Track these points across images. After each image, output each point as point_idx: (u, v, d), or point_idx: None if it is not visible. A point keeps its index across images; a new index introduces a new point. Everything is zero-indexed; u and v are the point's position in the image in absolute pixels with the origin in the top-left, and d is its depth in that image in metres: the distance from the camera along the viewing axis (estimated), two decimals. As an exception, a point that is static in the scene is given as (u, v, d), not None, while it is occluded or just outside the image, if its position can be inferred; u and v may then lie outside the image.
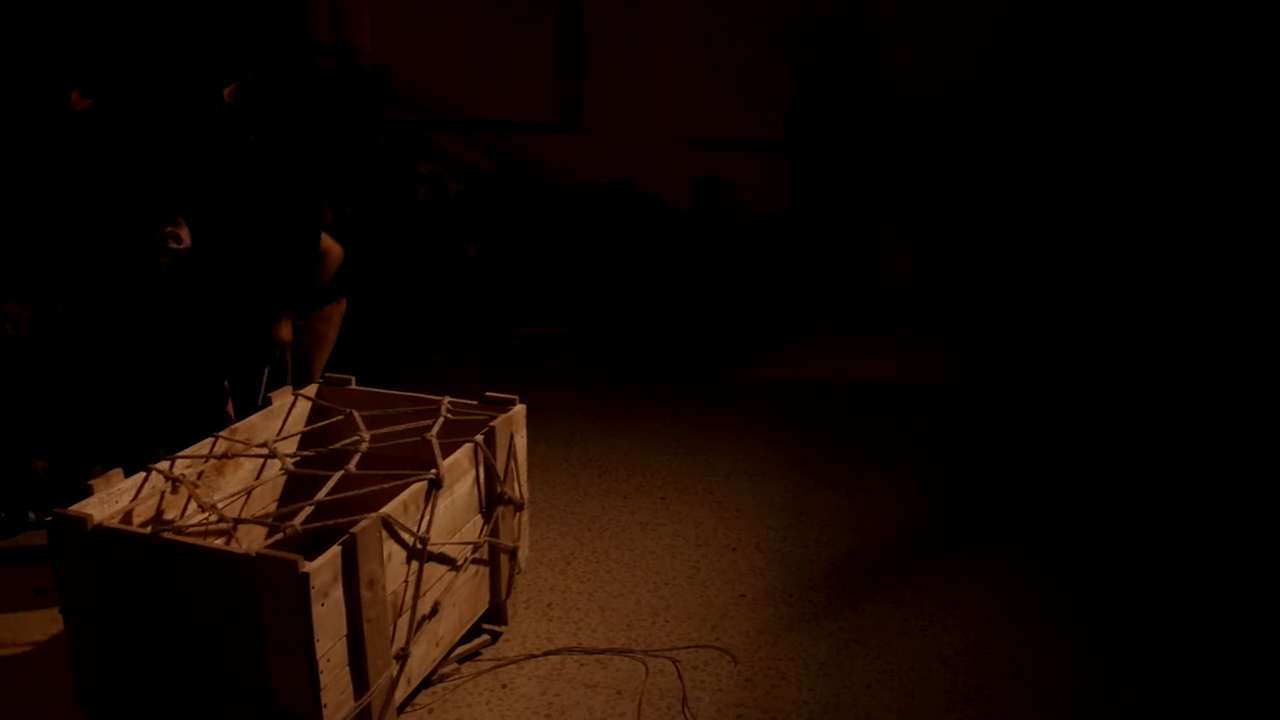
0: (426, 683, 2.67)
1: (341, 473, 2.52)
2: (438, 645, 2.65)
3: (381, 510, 2.31)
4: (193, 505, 2.57)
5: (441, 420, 2.84)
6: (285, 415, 3.07)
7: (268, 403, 3.07)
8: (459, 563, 2.68)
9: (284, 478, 2.90)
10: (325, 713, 2.12)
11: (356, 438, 2.74)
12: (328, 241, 3.68)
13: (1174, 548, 3.50)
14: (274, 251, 3.55)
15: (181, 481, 2.57)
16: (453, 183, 6.68)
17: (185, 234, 3.45)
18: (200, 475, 2.70)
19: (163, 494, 2.57)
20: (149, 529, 2.28)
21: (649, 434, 4.58)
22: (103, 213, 3.81)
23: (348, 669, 2.20)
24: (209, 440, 2.79)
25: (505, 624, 3.00)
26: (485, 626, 2.96)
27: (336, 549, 2.15)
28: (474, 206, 6.52)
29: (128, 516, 2.46)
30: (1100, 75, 5.81)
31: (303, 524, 2.26)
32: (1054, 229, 5.99)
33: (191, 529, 2.33)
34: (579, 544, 3.56)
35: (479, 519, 2.79)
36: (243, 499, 2.77)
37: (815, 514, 3.78)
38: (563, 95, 6.76)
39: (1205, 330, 5.41)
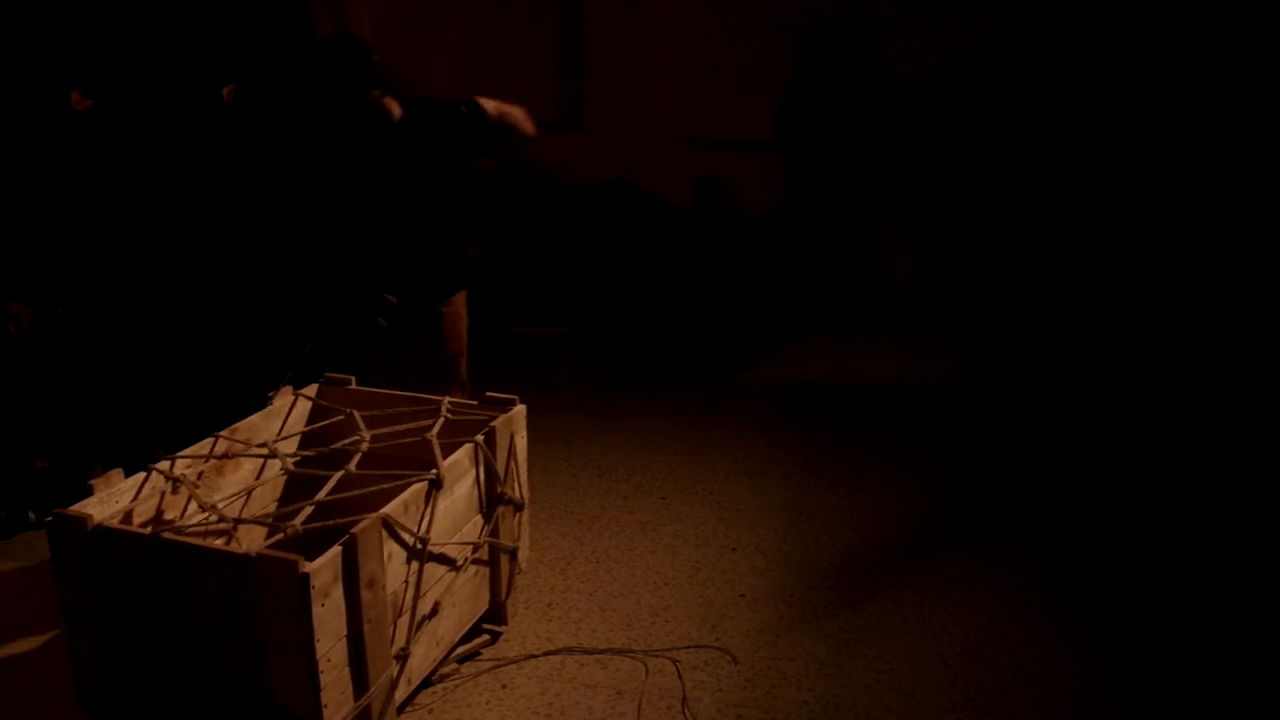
0: (426, 683, 2.68)
1: (342, 473, 2.51)
2: (438, 645, 2.65)
3: (382, 510, 2.31)
4: (193, 505, 2.57)
5: (441, 420, 2.84)
6: (285, 415, 3.06)
7: (269, 402, 3.07)
8: (459, 563, 2.68)
9: (284, 478, 2.90)
10: (325, 713, 2.12)
11: (357, 438, 2.74)
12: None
13: (1174, 548, 3.50)
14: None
15: (181, 481, 2.57)
16: (453, 183, 6.67)
17: (396, 108, 3.32)
18: (200, 475, 2.70)
19: (163, 494, 2.57)
20: (149, 529, 2.28)
21: (649, 434, 4.58)
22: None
23: (348, 669, 2.20)
24: (209, 440, 2.79)
25: (505, 624, 3.00)
26: (485, 626, 2.96)
27: (337, 549, 2.15)
28: (474, 206, 6.52)
29: (128, 516, 2.46)
30: (1100, 75, 5.82)
31: (303, 524, 2.26)
32: (1054, 229, 5.99)
33: (191, 529, 2.33)
34: (579, 544, 3.56)
35: (479, 519, 2.79)
36: (243, 499, 2.77)
37: (815, 514, 3.78)
38: (563, 95, 6.76)
39: (1206, 329, 5.41)
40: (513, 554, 2.97)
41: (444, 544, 2.59)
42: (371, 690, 2.27)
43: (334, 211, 3.57)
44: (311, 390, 3.17)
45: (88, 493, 2.39)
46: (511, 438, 2.90)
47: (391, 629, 2.37)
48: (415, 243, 3.31)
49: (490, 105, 3.27)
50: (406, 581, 2.44)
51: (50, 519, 2.30)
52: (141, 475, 2.54)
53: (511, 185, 6.83)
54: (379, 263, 3.36)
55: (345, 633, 2.18)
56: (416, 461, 2.61)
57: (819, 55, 6.00)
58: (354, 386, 3.18)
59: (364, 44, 3.24)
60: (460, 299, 3.57)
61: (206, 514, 2.48)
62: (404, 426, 2.84)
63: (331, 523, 2.32)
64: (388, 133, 3.28)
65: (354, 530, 2.19)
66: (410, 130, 3.30)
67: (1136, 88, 5.73)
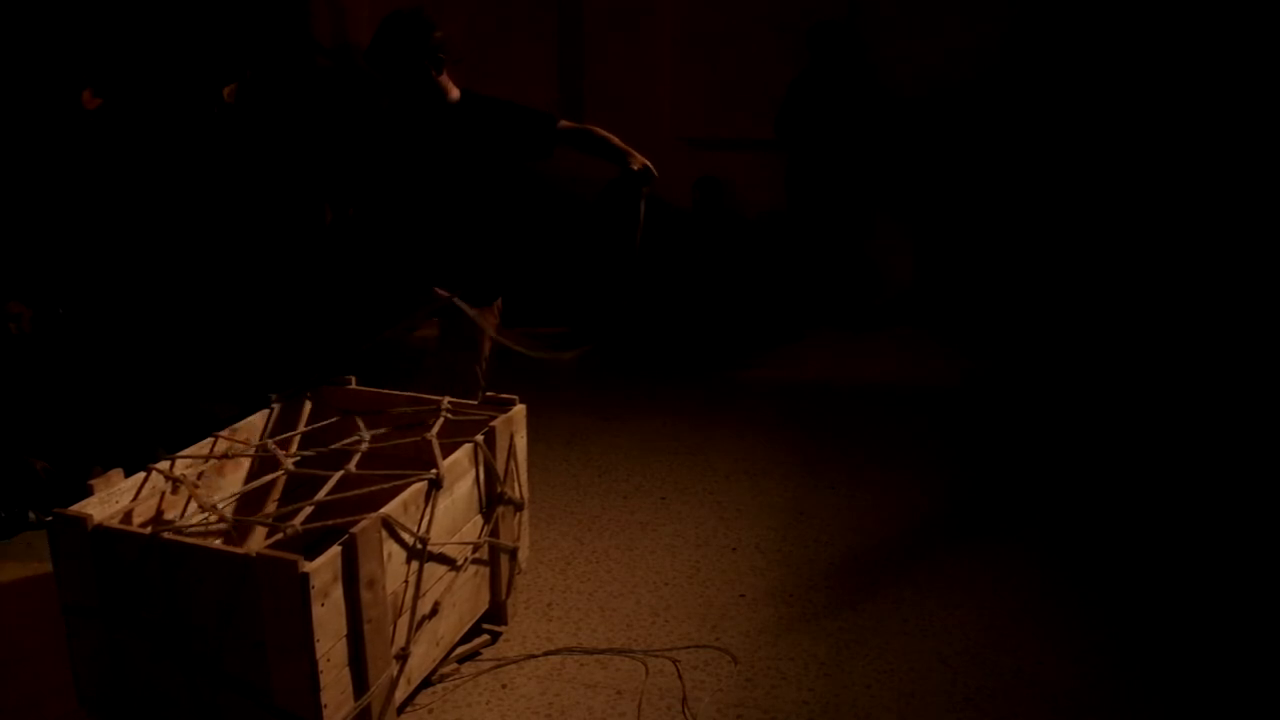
0: (426, 683, 2.68)
1: (341, 473, 2.52)
2: (438, 645, 2.65)
3: (381, 510, 2.31)
4: (193, 505, 2.57)
5: (441, 420, 2.84)
6: (285, 415, 3.06)
7: (268, 402, 3.07)
8: (459, 563, 2.68)
9: (284, 478, 2.89)
10: (325, 713, 2.12)
11: (356, 438, 2.74)
12: None
13: (1173, 548, 3.50)
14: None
15: (181, 481, 2.57)
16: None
17: (454, 90, 3.27)
18: (200, 475, 2.70)
19: (163, 494, 2.57)
20: (149, 529, 2.28)
21: (649, 434, 4.58)
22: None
23: (348, 669, 2.20)
24: (209, 440, 2.79)
25: (505, 624, 3.00)
26: (485, 626, 2.96)
27: (336, 549, 2.15)
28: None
29: (128, 516, 2.46)
30: (1100, 75, 5.82)
31: (303, 524, 2.26)
32: (1054, 229, 5.99)
33: (191, 529, 2.33)
34: (579, 544, 3.56)
35: (479, 519, 2.79)
36: (243, 499, 2.77)
37: (815, 514, 3.78)
38: (563, 95, 6.76)
39: (1205, 330, 5.42)
40: (513, 554, 2.97)
41: (444, 544, 2.59)
42: (371, 690, 2.27)
43: (352, 206, 3.54)
44: (312, 390, 3.17)
45: (88, 493, 2.39)
46: (511, 438, 2.90)
47: (391, 629, 2.37)
48: (456, 239, 3.29)
49: (567, 123, 3.31)
50: (406, 581, 2.44)
51: (50, 519, 2.30)
52: (141, 475, 2.54)
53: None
54: (423, 256, 3.33)
55: (345, 633, 2.18)
56: (416, 461, 2.61)
57: (823, 55, 6.00)
58: (354, 386, 3.18)
59: (428, 20, 3.21)
60: (496, 305, 3.54)
61: (206, 514, 2.48)
62: (404, 426, 2.84)
63: (331, 523, 2.32)
64: (442, 112, 3.26)
65: (354, 530, 2.19)
66: (466, 117, 3.28)
67: (1136, 87, 5.74)
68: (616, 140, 3.35)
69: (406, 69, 3.19)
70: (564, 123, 3.40)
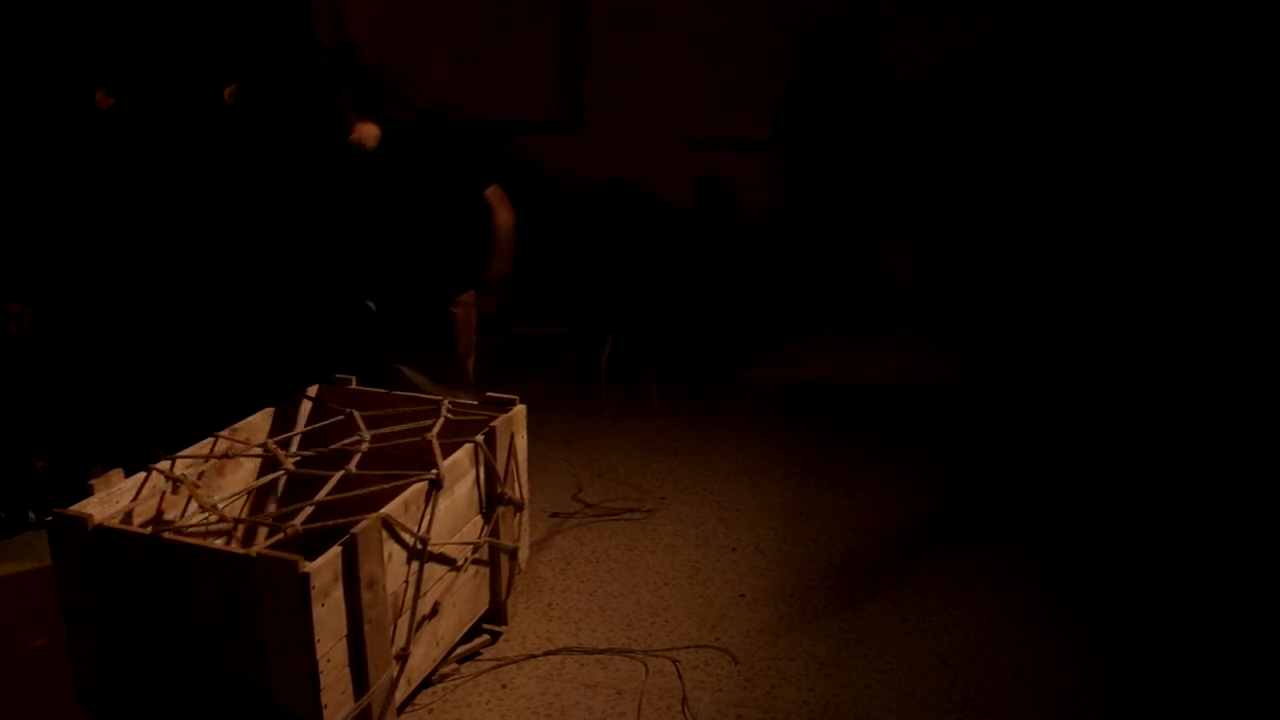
0: (426, 683, 2.68)
1: (342, 473, 2.52)
2: (438, 645, 2.65)
3: (382, 510, 2.31)
4: (193, 505, 2.57)
5: (442, 420, 2.84)
6: (285, 415, 3.06)
7: (268, 402, 3.07)
8: (459, 563, 2.68)
9: (284, 477, 2.89)
10: (325, 713, 2.12)
11: (357, 438, 2.74)
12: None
13: (1173, 548, 3.50)
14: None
15: (181, 481, 2.58)
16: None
17: (370, 138, 3.31)
18: (200, 475, 2.70)
19: (163, 494, 2.57)
20: (149, 529, 2.27)
21: (649, 434, 4.58)
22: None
23: (348, 669, 2.20)
24: (209, 440, 2.79)
25: (505, 624, 3.00)
26: (485, 626, 2.96)
27: (337, 549, 2.15)
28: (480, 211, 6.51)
29: (128, 516, 2.46)
30: (1099, 74, 5.82)
31: (303, 524, 2.26)
32: (1054, 228, 6.00)
33: (191, 529, 2.33)
34: (579, 544, 3.56)
35: (479, 519, 2.79)
36: (243, 499, 2.78)
37: (815, 514, 3.78)
38: (562, 95, 6.76)
39: (1205, 330, 5.42)
40: (513, 554, 2.97)
41: (444, 544, 2.59)
42: (371, 690, 2.27)
43: (325, 213, 3.56)
44: (312, 390, 3.17)
45: (88, 493, 2.39)
46: (511, 438, 2.90)
47: (391, 629, 2.37)
48: (410, 247, 3.31)
49: (495, 196, 3.37)
50: (406, 581, 2.44)
51: (50, 519, 2.30)
52: (141, 475, 2.54)
53: (511, 185, 6.83)
54: (373, 265, 3.36)
55: (345, 633, 2.18)
56: (417, 461, 2.61)
57: (818, 55, 6.00)
58: (354, 386, 3.18)
59: (336, 76, 3.23)
60: (470, 299, 3.56)
61: (206, 514, 2.48)
62: (404, 426, 2.84)
63: (331, 523, 2.32)
64: (365, 159, 3.29)
65: (354, 530, 2.19)
66: (394, 149, 3.30)
67: (1136, 87, 5.74)
68: (505, 244, 3.52)
69: (318, 135, 3.21)
70: (492, 193, 3.46)
